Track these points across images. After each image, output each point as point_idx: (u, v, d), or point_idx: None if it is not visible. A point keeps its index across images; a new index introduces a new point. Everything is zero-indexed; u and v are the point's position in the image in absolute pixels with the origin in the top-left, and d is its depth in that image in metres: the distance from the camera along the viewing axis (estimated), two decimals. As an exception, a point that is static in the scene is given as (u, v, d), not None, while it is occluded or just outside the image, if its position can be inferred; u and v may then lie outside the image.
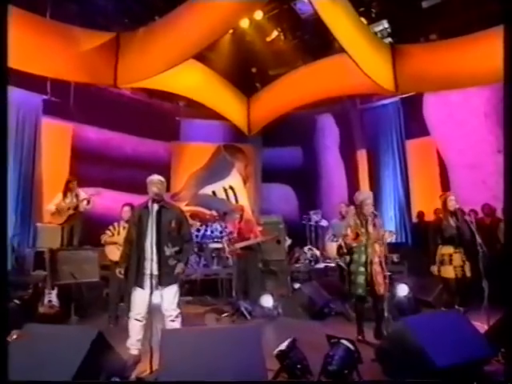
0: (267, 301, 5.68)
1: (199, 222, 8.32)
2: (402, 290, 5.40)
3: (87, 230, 6.65)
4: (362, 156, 10.13)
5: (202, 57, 8.22)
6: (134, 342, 3.74)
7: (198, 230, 8.04)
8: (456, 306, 4.56)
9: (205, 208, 9.16)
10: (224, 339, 2.92)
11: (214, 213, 9.31)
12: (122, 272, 3.78)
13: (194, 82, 8.44)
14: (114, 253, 5.42)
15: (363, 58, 6.82)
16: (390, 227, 8.87)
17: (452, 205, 4.72)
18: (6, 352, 1.92)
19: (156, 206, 3.76)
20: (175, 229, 3.71)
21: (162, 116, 10.12)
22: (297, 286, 6.62)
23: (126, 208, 5.46)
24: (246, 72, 9.68)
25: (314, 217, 7.53)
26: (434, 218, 5.77)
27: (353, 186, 10.49)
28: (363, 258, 4.47)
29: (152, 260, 3.65)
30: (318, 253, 7.78)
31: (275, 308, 5.69)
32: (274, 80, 9.39)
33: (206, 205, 9.18)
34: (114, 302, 5.39)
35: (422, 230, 7.82)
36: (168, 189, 9.32)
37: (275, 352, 3.17)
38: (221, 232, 7.84)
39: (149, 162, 9.75)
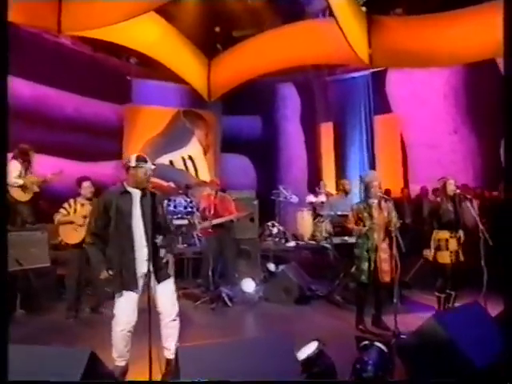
0: (249, 285, 5.29)
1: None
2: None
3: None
4: (327, 130, 9.88)
5: (162, 10, 7.22)
6: (123, 353, 3.12)
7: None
8: (447, 290, 4.53)
9: (161, 179, 8.35)
10: (253, 352, 2.46)
11: (172, 184, 8.56)
12: (110, 275, 3.09)
13: (151, 36, 7.44)
14: (69, 234, 4.67)
15: (345, 24, 6.35)
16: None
17: (451, 189, 4.59)
18: (6, 352, 1.84)
19: (138, 192, 3.10)
20: (161, 215, 3.11)
21: (110, 74, 8.86)
22: (271, 266, 6.28)
23: (86, 184, 4.68)
24: (209, 31, 8.75)
25: (285, 192, 7.17)
26: (433, 199, 5.65)
27: (314, 159, 10.30)
28: (368, 243, 4.23)
29: (144, 255, 3.02)
30: (282, 229, 7.48)
31: (256, 293, 5.31)
32: (238, 42, 8.62)
33: (163, 176, 8.36)
34: (72, 291, 4.67)
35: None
36: (120, 156, 8.50)
37: (301, 358, 2.77)
38: (185, 207, 7.17)
39: (95, 126, 8.58)
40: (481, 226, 4.20)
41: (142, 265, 3.03)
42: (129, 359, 3.15)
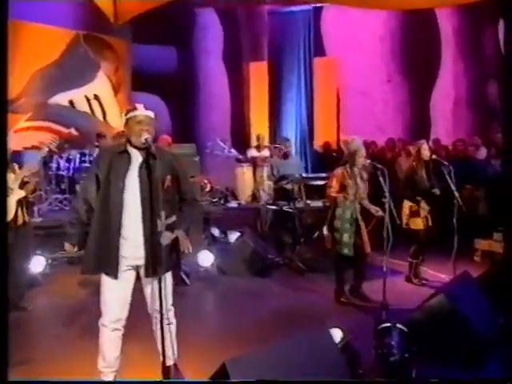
0: (206, 258, 5.16)
1: (55, 148, 6.55)
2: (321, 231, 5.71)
3: None
4: (260, 70, 9.63)
5: None
6: (111, 362, 2.82)
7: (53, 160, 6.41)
8: (409, 259, 5.02)
9: (59, 124, 7.38)
10: (299, 352, 2.50)
11: (74, 132, 7.64)
12: (76, 249, 2.81)
13: None
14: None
15: None
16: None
17: (426, 154, 4.93)
18: (6, 352, 2.05)
19: (140, 154, 2.75)
20: (171, 188, 2.80)
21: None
22: (215, 232, 6.21)
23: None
24: None
25: (222, 145, 6.97)
26: (404, 162, 5.96)
27: (239, 103, 10.08)
28: (348, 214, 4.39)
29: (136, 241, 2.71)
30: (219, 188, 7.38)
31: (213, 266, 5.24)
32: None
33: (60, 120, 7.38)
34: (19, 281, 4.13)
35: (329, 163, 8.31)
36: None
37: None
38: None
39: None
40: (456, 194, 4.67)
41: (133, 251, 2.70)
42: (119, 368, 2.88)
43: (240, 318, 4.17)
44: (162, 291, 2.64)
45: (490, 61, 9.23)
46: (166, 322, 2.79)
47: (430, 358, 3.21)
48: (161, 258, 2.65)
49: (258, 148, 7.64)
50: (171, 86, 9.85)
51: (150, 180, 2.68)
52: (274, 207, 5.75)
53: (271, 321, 4.14)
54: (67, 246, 2.79)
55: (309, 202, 5.65)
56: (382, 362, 3.06)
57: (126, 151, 2.74)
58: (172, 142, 5.68)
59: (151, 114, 2.81)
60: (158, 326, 2.77)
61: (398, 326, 3.17)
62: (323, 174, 5.89)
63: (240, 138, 9.50)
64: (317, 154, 8.44)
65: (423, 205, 4.93)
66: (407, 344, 3.12)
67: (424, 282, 5.05)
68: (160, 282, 2.63)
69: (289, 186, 5.63)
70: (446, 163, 4.80)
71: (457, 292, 3.48)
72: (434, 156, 4.97)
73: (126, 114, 2.80)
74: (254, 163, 7.40)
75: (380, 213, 4.34)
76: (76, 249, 2.79)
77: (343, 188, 4.38)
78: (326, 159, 8.15)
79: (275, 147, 7.10)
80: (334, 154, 8.65)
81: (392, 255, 5.04)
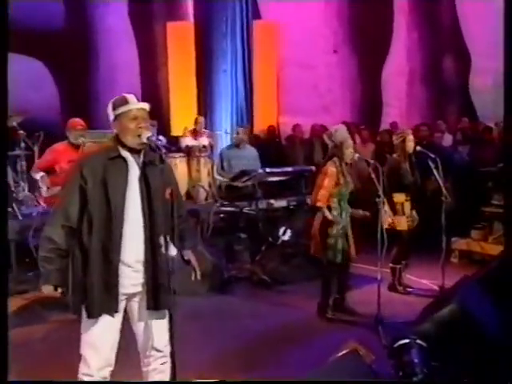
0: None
1: None
2: (281, 232, 6.16)
3: None
4: (183, 32, 9.61)
5: None
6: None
7: None
8: (391, 264, 5.54)
9: None
10: (340, 376, 2.88)
11: None
12: (59, 291, 2.78)
13: None
14: None
15: None
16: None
17: (411, 146, 5.47)
18: (6, 352, 2.35)
19: (135, 159, 2.84)
20: (171, 200, 2.94)
21: None
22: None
23: None
24: None
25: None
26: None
27: (152, 75, 9.98)
28: (344, 217, 4.79)
29: (135, 265, 2.85)
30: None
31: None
32: None
33: None
34: None
35: (276, 153, 8.68)
36: None
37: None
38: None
39: None
40: (444, 191, 5.31)
41: (130, 277, 2.83)
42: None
43: (208, 346, 4.35)
44: (171, 325, 2.74)
45: (446, 32, 10.33)
46: (163, 360, 2.97)
47: (448, 372, 3.74)
48: (165, 286, 2.74)
49: (195, 135, 7.77)
50: (58, 48, 9.43)
51: (150, 191, 2.78)
52: (231, 209, 5.98)
53: (249, 345, 4.41)
54: (47, 288, 2.71)
55: (272, 201, 5.98)
56: (405, 381, 3.51)
57: (120, 156, 2.77)
58: (86, 127, 5.62)
59: (146, 105, 2.86)
60: (157, 367, 2.94)
61: (418, 341, 3.64)
62: (289, 169, 6.27)
63: (156, 119, 9.51)
64: (258, 140, 8.74)
65: (407, 203, 5.52)
66: (427, 360, 3.61)
67: (409, 289, 5.65)
68: (170, 315, 2.75)
69: (248, 184, 5.88)
70: (433, 155, 5.41)
71: (467, 299, 4.04)
72: (418, 148, 5.53)
73: (113, 109, 2.79)
74: (189, 154, 7.52)
75: (367, 213, 4.82)
76: (60, 290, 2.73)
77: (336, 187, 4.74)
78: (269, 148, 8.51)
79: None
80: (277, 139, 9.10)
81: (364, 260, 5.68)
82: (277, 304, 5.39)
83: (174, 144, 7.74)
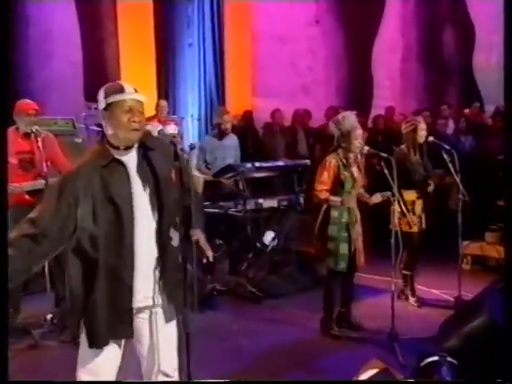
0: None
1: None
2: (269, 236, 6.39)
3: None
4: (140, 5, 9.60)
5: None
6: None
7: None
8: (403, 270, 5.83)
9: None
10: None
11: None
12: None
13: None
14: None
15: None
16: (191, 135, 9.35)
17: (422, 136, 5.71)
18: (5, 352, 2.54)
19: (133, 156, 2.95)
20: (176, 182, 3.01)
21: None
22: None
23: None
24: None
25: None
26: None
27: (98, 48, 9.90)
28: (345, 216, 4.97)
29: (148, 271, 3.01)
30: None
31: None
32: None
33: None
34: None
35: (258, 144, 8.83)
36: None
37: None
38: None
39: None
40: (461, 188, 5.60)
41: (141, 289, 2.93)
42: None
43: (198, 371, 4.48)
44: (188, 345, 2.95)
45: (447, 1, 10.71)
46: (167, 378, 3.13)
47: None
48: (175, 293, 2.95)
49: (160, 122, 7.84)
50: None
51: (158, 187, 2.90)
52: (213, 210, 6.10)
53: (247, 370, 4.56)
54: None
55: (261, 200, 6.16)
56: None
57: (114, 160, 2.86)
58: (41, 112, 5.67)
59: (143, 98, 2.95)
60: None
61: (449, 359, 3.92)
62: (280, 163, 6.44)
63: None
64: (231, 128, 8.84)
65: (419, 201, 5.82)
66: (458, 378, 3.91)
67: (421, 301, 5.94)
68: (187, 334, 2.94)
69: (230, 181, 6.03)
70: (448, 147, 5.73)
71: (497, 311, 4.32)
72: (430, 138, 5.83)
73: (105, 96, 2.86)
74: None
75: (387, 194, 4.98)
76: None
77: (338, 183, 4.95)
78: (246, 138, 8.62)
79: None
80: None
81: (367, 268, 5.93)
82: (270, 321, 5.57)
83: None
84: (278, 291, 6.10)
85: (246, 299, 6.08)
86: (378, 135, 8.99)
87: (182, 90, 9.73)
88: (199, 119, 9.55)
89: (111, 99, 2.83)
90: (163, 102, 8.38)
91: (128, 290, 2.85)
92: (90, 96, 8.93)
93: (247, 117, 9.47)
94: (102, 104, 2.87)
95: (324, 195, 4.93)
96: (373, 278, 6.41)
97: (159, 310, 2.99)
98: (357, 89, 10.87)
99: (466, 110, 9.56)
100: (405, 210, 5.64)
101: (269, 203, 6.39)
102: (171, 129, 7.88)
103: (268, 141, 9.02)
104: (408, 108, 10.39)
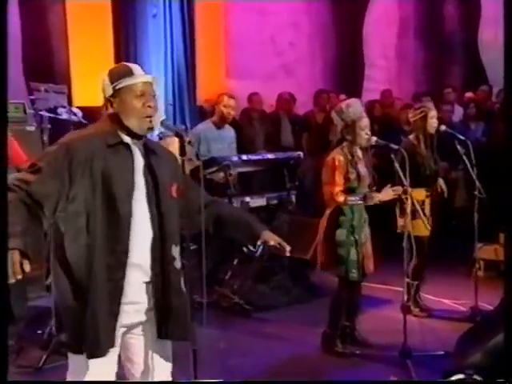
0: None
1: None
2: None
3: None
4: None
5: None
6: None
7: None
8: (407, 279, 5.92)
9: None
10: None
11: None
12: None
13: None
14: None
15: None
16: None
17: (433, 124, 5.80)
18: (5, 352, 2.74)
19: (137, 146, 3.04)
20: (178, 199, 3.12)
21: None
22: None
23: None
24: None
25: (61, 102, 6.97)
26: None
27: (35, 16, 9.68)
28: (356, 219, 5.07)
29: (142, 284, 3.07)
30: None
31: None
32: None
33: None
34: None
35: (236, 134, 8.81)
36: None
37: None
38: None
39: None
40: (477, 184, 5.73)
41: (135, 302, 3.01)
42: None
43: None
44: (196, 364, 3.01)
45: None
46: None
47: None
48: (180, 308, 3.02)
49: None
50: None
51: (157, 188, 2.99)
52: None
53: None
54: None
55: (247, 199, 6.21)
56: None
57: (121, 143, 2.94)
58: None
59: (154, 78, 3.06)
60: None
61: (476, 377, 4.06)
62: (269, 156, 6.46)
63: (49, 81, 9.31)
64: (204, 115, 8.82)
65: (429, 200, 5.93)
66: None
67: (428, 312, 6.09)
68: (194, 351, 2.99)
69: (221, 175, 6.05)
70: (462, 138, 5.85)
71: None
72: (443, 127, 5.94)
73: (112, 81, 2.95)
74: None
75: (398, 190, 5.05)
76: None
77: (345, 181, 4.99)
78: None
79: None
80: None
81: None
82: (263, 337, 5.67)
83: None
84: (269, 303, 6.19)
85: (233, 313, 6.13)
86: (374, 123, 9.01)
87: (146, 68, 9.60)
88: (173, 104, 9.43)
89: (120, 84, 2.91)
90: None
91: (118, 298, 2.91)
92: (32, 75, 8.79)
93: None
94: (109, 91, 2.95)
95: (341, 198, 4.95)
96: (375, 286, 6.53)
97: (153, 326, 3.05)
98: (346, 69, 10.90)
99: (469, 93, 9.68)
100: (420, 210, 5.73)
101: (257, 202, 6.44)
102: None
103: (246, 130, 8.94)
104: (405, 92, 10.51)
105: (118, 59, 9.28)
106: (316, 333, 5.39)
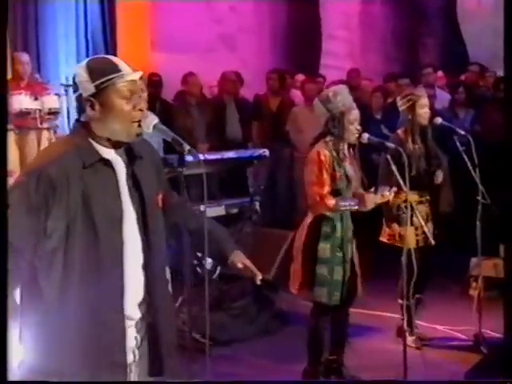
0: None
1: None
2: (209, 259, 6.83)
3: None
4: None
5: None
6: None
7: None
8: (400, 300, 6.06)
9: None
10: None
11: None
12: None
13: None
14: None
15: None
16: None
17: (424, 116, 6.11)
18: (5, 352, 3.03)
19: (120, 157, 3.18)
20: (163, 209, 3.37)
21: None
22: None
23: None
24: None
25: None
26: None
27: None
28: (339, 230, 5.33)
29: (135, 318, 3.40)
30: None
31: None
32: None
33: None
34: None
35: (168, 123, 8.99)
36: None
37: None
38: None
39: None
40: (481, 187, 6.11)
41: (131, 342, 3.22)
42: None
43: None
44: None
45: None
46: None
47: None
48: (171, 340, 3.42)
49: (31, 89, 7.96)
50: None
51: (144, 204, 3.18)
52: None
53: None
54: None
55: (201, 207, 6.43)
56: None
57: (101, 159, 3.05)
58: None
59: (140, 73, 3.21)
60: None
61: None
62: (229, 154, 6.69)
63: None
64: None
65: (421, 206, 6.28)
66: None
67: (424, 342, 6.46)
68: None
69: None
70: (462, 132, 6.23)
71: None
72: (439, 120, 6.29)
73: (92, 78, 3.01)
74: (22, 124, 7.76)
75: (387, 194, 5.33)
76: None
77: (333, 181, 5.24)
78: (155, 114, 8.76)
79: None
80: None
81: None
82: (227, 377, 5.81)
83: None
84: (231, 335, 6.45)
85: (188, 349, 6.40)
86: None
87: (51, 39, 9.64)
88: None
89: (105, 83, 3.00)
90: (24, 56, 8.33)
91: (121, 344, 3.16)
92: None
93: (154, 83, 9.29)
94: (90, 90, 3.01)
95: (331, 201, 5.15)
96: (361, 312, 6.70)
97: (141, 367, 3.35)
98: (299, 41, 11.10)
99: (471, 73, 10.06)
100: (421, 219, 6.09)
101: (213, 211, 6.63)
102: (52, 102, 8.05)
103: (181, 119, 9.07)
104: (372, 70, 10.76)
105: (14, 27, 9.28)
106: (292, 370, 5.70)
